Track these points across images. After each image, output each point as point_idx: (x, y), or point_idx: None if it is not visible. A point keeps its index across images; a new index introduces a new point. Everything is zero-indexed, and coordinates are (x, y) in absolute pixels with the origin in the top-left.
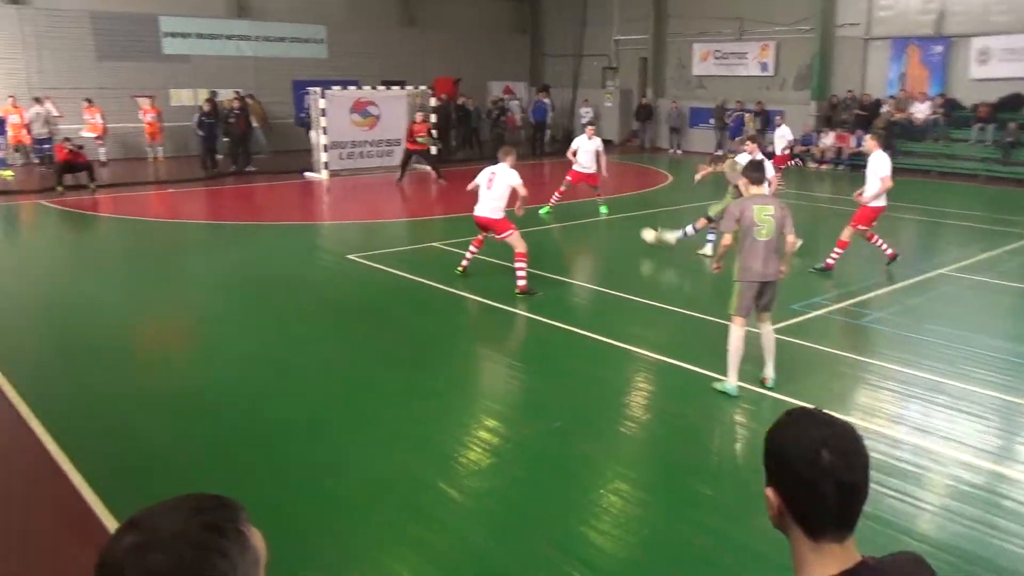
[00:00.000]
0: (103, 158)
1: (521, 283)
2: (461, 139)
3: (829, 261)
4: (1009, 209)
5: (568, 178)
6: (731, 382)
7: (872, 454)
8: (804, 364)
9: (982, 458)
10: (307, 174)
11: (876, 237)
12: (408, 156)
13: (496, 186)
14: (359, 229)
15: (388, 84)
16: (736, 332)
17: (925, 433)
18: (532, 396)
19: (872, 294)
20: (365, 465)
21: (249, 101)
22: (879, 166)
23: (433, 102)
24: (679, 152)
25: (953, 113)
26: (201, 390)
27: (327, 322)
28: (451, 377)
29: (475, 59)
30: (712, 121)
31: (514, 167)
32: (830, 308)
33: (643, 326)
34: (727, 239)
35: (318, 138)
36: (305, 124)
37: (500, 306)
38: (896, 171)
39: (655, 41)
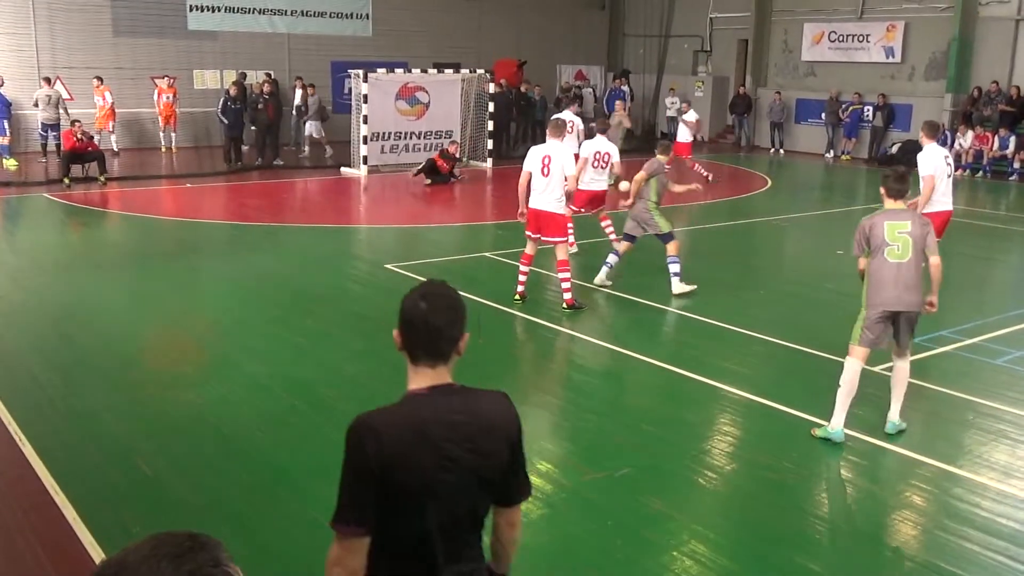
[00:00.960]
0: (115, 147)
1: (568, 295)
2: (522, 133)
3: None
4: None
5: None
6: (835, 426)
7: (1006, 522)
8: (927, 411)
9: None
10: (343, 169)
11: None
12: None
13: (554, 171)
14: (400, 234)
15: (440, 67)
16: (852, 366)
17: None
18: (594, 437)
19: (1011, 328)
20: None
21: (310, 91)
22: (923, 164)
23: (492, 88)
24: (782, 152)
25: None
26: (207, 415)
27: (358, 341)
28: None
29: (543, 39)
30: (824, 116)
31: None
32: (960, 344)
33: (730, 358)
34: (861, 263)
35: (358, 128)
36: (301, 113)
37: (560, 328)
38: None
39: (757, 20)
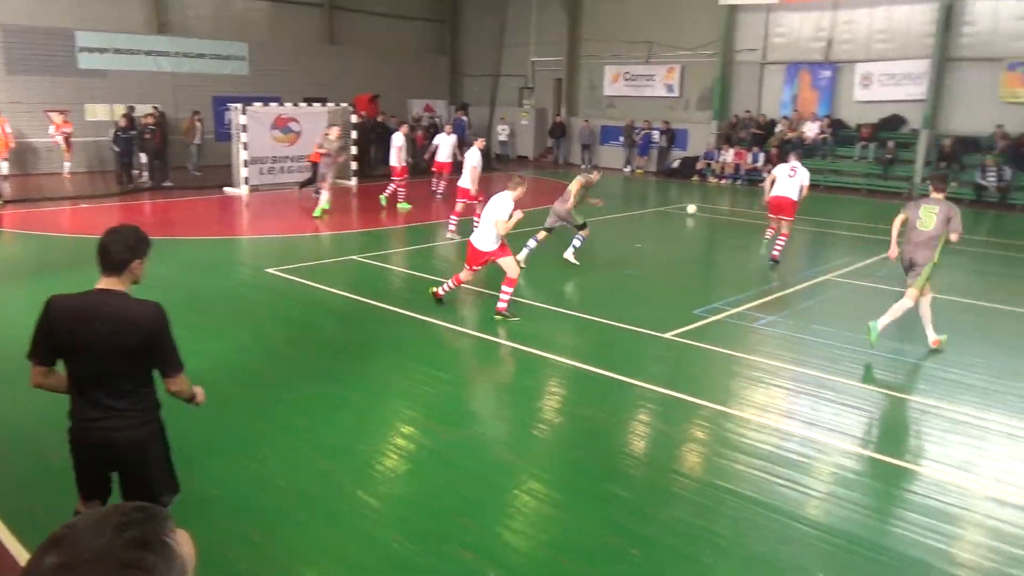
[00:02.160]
0: (5, 171)
1: (501, 305)
2: (381, 156)
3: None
4: (888, 220)
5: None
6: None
7: (764, 447)
8: (704, 365)
9: (863, 447)
10: (226, 189)
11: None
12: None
13: (485, 216)
14: (278, 243)
15: (309, 101)
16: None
17: (812, 425)
18: (450, 404)
19: (765, 299)
20: (286, 475)
21: (197, 121)
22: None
23: (353, 119)
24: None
25: (839, 132)
26: None
27: (245, 335)
28: (370, 387)
29: (396, 78)
30: (622, 139)
31: (517, 199)
32: (728, 313)
33: (558, 334)
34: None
35: (237, 153)
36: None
37: (420, 317)
38: None
39: (569, 63)
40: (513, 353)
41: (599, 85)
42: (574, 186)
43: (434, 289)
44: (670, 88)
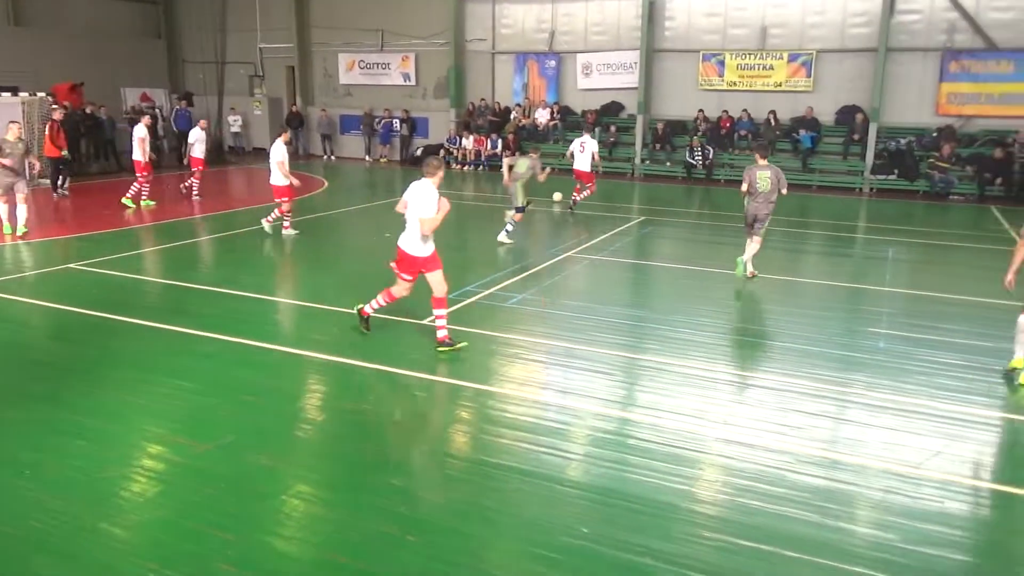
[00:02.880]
0: None
1: (442, 333)
2: (95, 151)
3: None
4: (617, 199)
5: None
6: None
7: (525, 419)
8: (465, 348)
9: (612, 408)
10: None
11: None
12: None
13: (410, 211)
14: None
15: None
16: None
17: (566, 393)
18: (200, 414)
19: (514, 279)
20: (9, 520)
21: None
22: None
23: (58, 113)
24: (333, 158)
25: (567, 118)
26: None
27: None
28: (106, 408)
29: (102, 64)
30: (361, 128)
31: (438, 185)
32: (480, 295)
33: (313, 330)
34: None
35: None
36: None
37: (157, 325)
38: None
39: (300, 50)
40: (264, 354)
41: (335, 73)
42: (525, 163)
43: (360, 306)
44: (407, 76)
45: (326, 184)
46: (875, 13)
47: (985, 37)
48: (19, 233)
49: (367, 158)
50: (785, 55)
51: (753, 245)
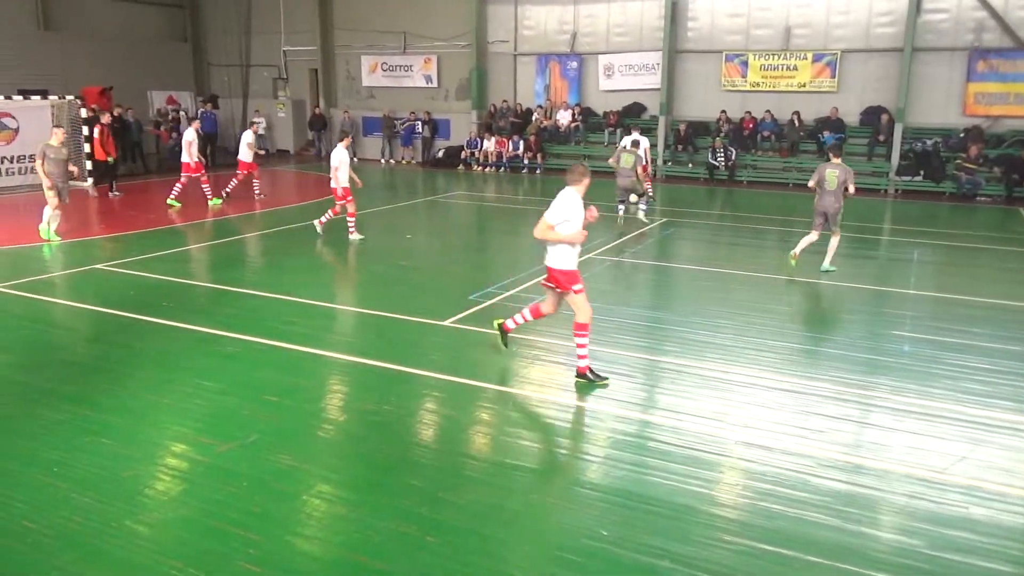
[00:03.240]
0: None
1: (583, 362)
2: (122, 153)
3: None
4: None
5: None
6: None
7: (545, 420)
8: (484, 349)
9: (632, 410)
10: None
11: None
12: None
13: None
14: (5, 256)
15: (26, 94)
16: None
17: (587, 395)
18: (223, 414)
19: (535, 280)
20: (38, 516)
21: None
22: None
23: (84, 113)
24: (355, 160)
25: (589, 119)
26: None
27: None
28: (131, 407)
29: (130, 68)
30: (382, 130)
31: (584, 194)
32: (502, 296)
33: (333, 330)
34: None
35: None
36: None
37: (181, 326)
38: (547, 171)
39: (324, 53)
40: (288, 355)
41: (357, 76)
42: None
43: (501, 321)
44: (428, 79)
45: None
46: (901, 12)
47: (1014, 36)
48: (48, 238)
49: (382, 160)
50: (809, 55)
51: (834, 239)
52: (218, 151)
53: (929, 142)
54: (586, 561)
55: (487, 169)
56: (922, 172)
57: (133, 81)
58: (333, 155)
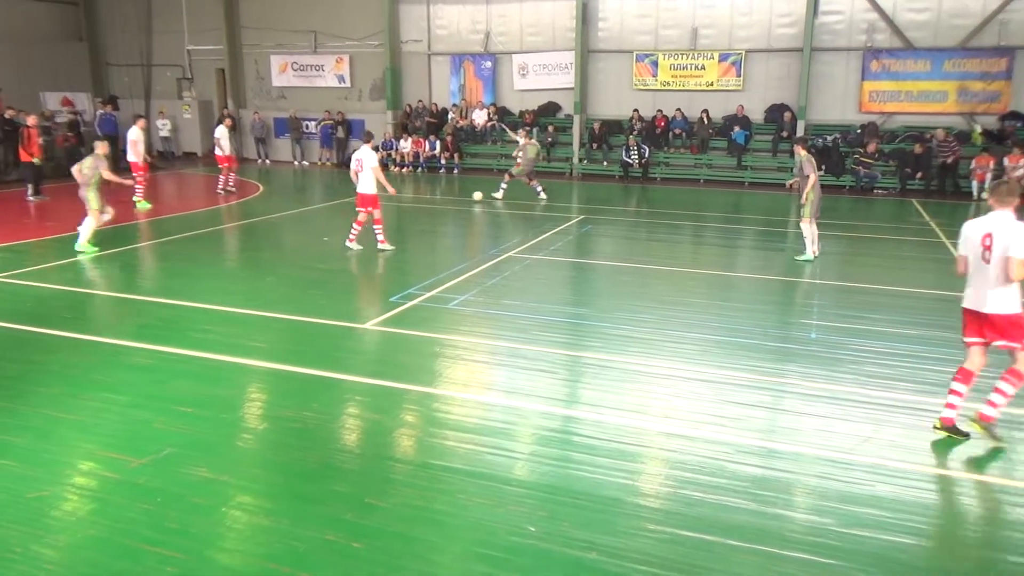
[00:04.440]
0: None
1: (991, 410)
2: (12, 159)
3: None
4: (555, 197)
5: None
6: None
7: (470, 420)
8: (406, 350)
9: (555, 406)
10: None
11: None
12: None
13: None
14: None
15: None
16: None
17: (510, 393)
18: (135, 428)
19: (456, 280)
20: None
21: None
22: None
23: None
24: (267, 162)
25: (505, 119)
26: None
27: None
28: (33, 425)
29: (20, 67)
30: (290, 133)
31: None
32: (423, 297)
33: (250, 337)
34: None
35: None
36: None
37: (85, 338)
38: (464, 171)
39: (230, 52)
40: (203, 364)
41: (267, 76)
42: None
43: (947, 417)
44: (341, 78)
45: (261, 188)
46: (800, 14)
47: (902, 37)
48: None
49: (295, 163)
50: (716, 55)
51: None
52: (120, 155)
53: (829, 138)
54: (515, 558)
55: (404, 170)
56: (823, 167)
57: (23, 81)
58: (362, 158)
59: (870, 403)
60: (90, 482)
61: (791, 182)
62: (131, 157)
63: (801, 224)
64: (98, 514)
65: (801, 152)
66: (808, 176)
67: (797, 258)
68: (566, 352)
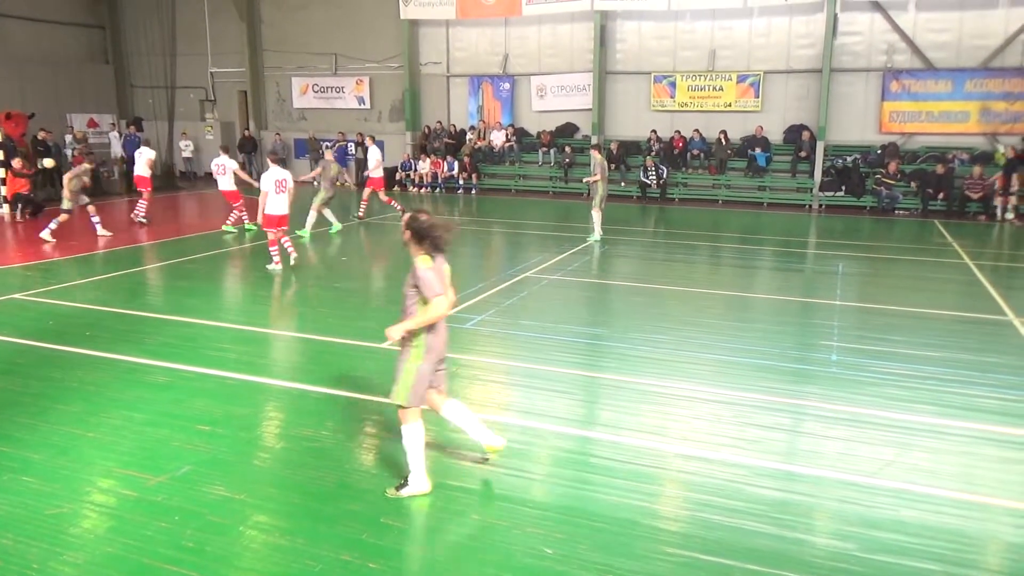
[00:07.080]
0: None
1: None
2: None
3: None
4: (573, 218)
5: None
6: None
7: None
8: None
9: (572, 427)
10: None
11: None
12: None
13: None
14: None
15: None
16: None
17: (527, 414)
18: (153, 446)
19: (473, 300)
20: None
21: None
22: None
23: None
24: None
25: (523, 140)
26: None
27: None
28: (53, 442)
29: (48, 90)
30: (308, 154)
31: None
32: None
33: (265, 356)
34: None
35: None
36: None
37: (105, 355)
38: (482, 191)
39: (252, 74)
40: (221, 382)
41: (288, 97)
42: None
43: None
44: (361, 100)
45: None
46: (818, 35)
47: (923, 57)
48: None
49: (315, 182)
50: (734, 76)
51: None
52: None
53: (849, 159)
54: None
55: (423, 190)
56: (843, 187)
57: (52, 104)
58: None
59: (892, 426)
60: (108, 499)
61: (587, 179)
62: (146, 173)
63: (592, 212)
64: (116, 532)
65: (596, 155)
66: (597, 175)
67: (588, 239)
68: (583, 373)
